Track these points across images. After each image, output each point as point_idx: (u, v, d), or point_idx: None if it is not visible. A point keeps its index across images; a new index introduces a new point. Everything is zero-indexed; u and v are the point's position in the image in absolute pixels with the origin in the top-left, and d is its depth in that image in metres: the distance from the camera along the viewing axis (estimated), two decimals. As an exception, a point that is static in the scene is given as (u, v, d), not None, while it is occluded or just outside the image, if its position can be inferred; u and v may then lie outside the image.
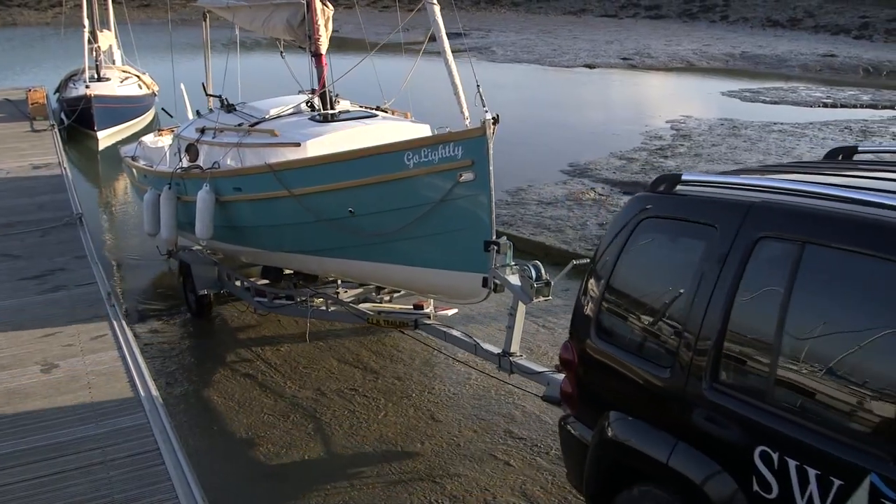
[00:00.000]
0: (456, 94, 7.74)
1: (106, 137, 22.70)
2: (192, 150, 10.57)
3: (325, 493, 6.98)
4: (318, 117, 9.90)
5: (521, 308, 7.31)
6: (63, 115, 24.14)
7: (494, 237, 7.25)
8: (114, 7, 28.46)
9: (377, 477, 7.20)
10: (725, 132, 21.65)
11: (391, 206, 7.82)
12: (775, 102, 27.24)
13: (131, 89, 25.26)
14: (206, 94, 12.05)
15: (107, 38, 27.18)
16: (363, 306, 9.56)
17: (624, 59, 37.17)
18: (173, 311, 11.18)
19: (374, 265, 8.49)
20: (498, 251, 7.23)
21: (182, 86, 13.99)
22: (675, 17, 54.90)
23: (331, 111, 9.99)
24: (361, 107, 10.57)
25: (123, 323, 9.26)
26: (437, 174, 7.36)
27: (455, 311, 9.71)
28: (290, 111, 10.26)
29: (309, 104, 10.28)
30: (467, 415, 8.26)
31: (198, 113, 11.80)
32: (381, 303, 10.01)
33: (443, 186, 7.35)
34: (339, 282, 10.22)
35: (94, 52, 25.52)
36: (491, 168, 7.04)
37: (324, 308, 9.75)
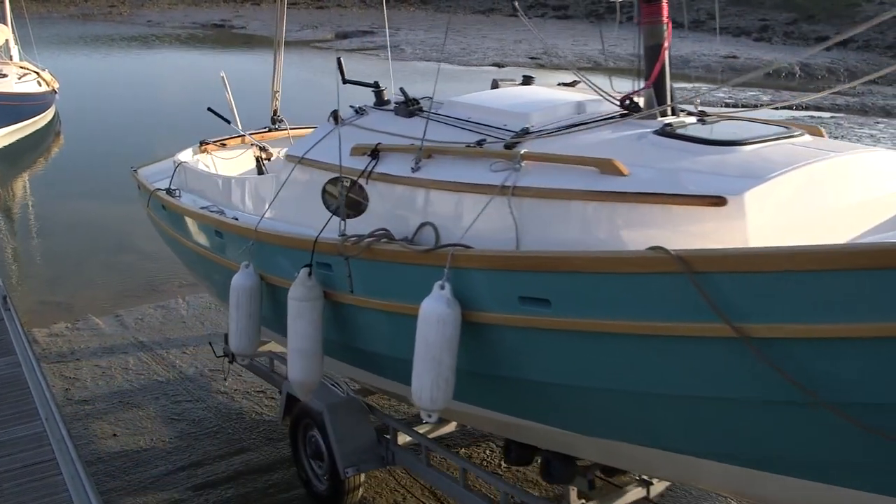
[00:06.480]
0: None
1: (3, 136, 22.12)
2: (357, 195, 5.64)
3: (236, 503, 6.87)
4: (670, 130, 4.90)
5: None
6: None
7: None
8: (10, 0, 27.67)
9: (288, 480, 7.11)
10: (631, 131, 22.06)
11: None
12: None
13: (30, 86, 24.63)
14: (344, 81, 6.41)
15: (2, 33, 26.50)
16: None
17: (532, 58, 37.57)
18: (73, 314, 10.84)
19: None
20: None
21: (223, 74, 9.38)
22: (582, 17, 55.79)
23: (677, 120, 5.31)
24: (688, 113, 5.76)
25: (19, 327, 8.93)
26: None
27: None
28: (579, 117, 5.36)
29: (628, 103, 5.43)
30: (377, 415, 8.21)
31: (334, 116, 6.36)
32: None
33: None
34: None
35: (-11, 48, 24.81)
36: None
37: None
